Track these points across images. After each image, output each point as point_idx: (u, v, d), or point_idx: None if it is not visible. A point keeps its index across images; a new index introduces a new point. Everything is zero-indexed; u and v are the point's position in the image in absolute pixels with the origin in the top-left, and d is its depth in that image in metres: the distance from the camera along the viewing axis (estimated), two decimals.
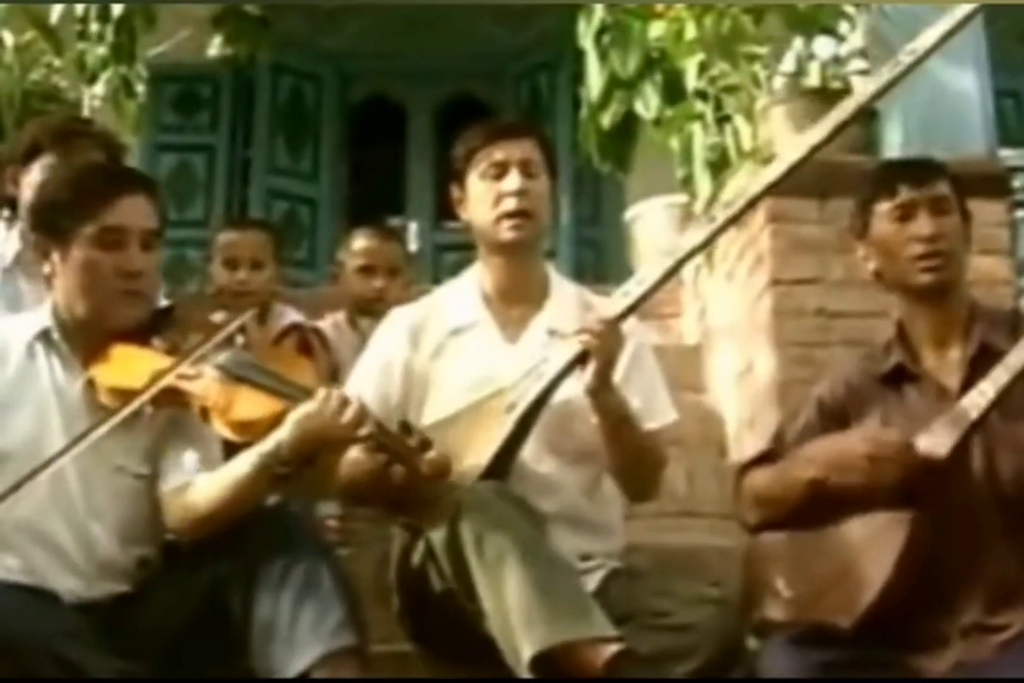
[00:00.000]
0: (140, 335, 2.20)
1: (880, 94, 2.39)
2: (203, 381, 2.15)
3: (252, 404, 2.12)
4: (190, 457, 2.17)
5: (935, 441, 2.06)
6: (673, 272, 2.34)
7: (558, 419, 2.33)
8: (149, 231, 2.18)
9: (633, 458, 2.32)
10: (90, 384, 2.16)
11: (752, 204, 2.35)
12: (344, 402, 2.06)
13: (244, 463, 2.08)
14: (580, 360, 2.24)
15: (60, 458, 2.02)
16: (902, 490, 2.06)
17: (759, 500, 2.24)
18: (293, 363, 2.35)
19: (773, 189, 2.36)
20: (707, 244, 2.39)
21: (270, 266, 3.41)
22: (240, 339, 3.04)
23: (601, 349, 2.22)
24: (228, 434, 2.13)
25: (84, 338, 2.18)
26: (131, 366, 2.15)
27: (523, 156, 2.42)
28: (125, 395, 2.12)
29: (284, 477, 2.07)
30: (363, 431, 2.06)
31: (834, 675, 1.98)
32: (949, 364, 2.20)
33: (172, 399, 2.14)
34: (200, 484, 2.13)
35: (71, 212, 2.15)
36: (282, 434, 2.05)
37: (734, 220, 2.35)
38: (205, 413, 2.15)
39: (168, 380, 2.12)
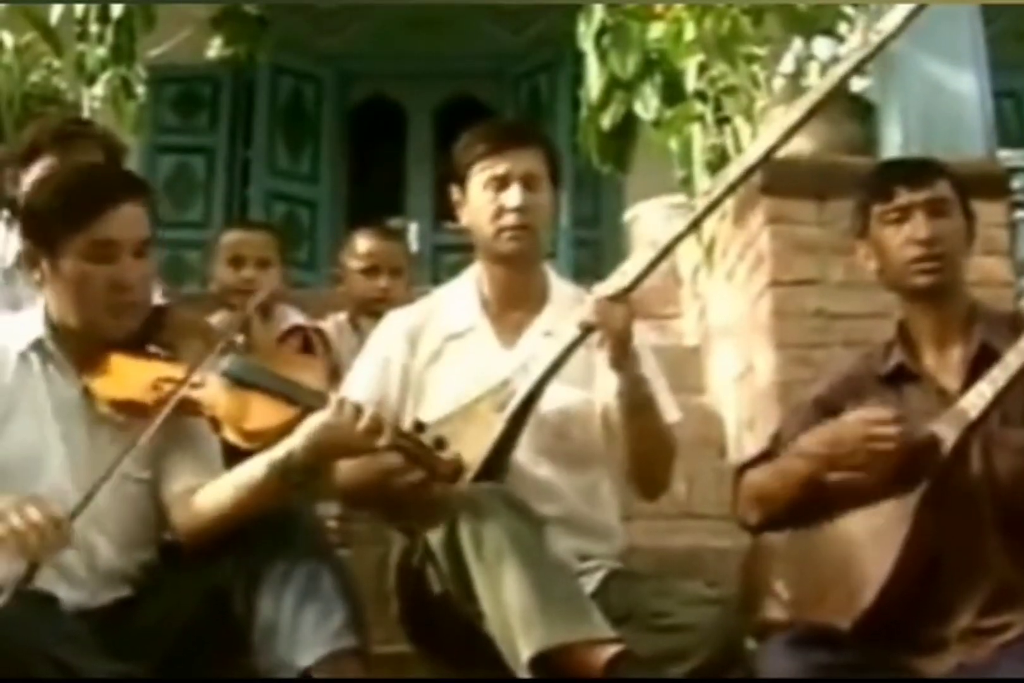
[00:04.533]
0: (134, 342, 2.16)
1: (852, 73, 2.37)
2: (210, 389, 2.10)
3: (264, 412, 2.08)
4: (192, 460, 2.14)
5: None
6: (668, 252, 2.31)
7: (555, 424, 2.34)
8: (142, 241, 2.11)
9: (651, 444, 2.30)
10: (87, 393, 2.12)
11: (737, 182, 2.33)
12: (358, 410, 2.02)
13: (255, 469, 2.04)
14: (579, 342, 2.23)
15: (107, 478, 1.96)
16: (903, 469, 2.06)
17: (758, 498, 2.24)
18: (300, 365, 2.29)
19: (752, 172, 2.33)
20: (700, 220, 2.37)
21: (276, 266, 3.42)
22: (240, 338, 3.03)
23: (604, 324, 2.21)
24: (240, 442, 2.09)
25: (78, 346, 2.14)
26: (128, 376, 2.11)
27: (526, 170, 2.38)
28: (126, 406, 2.08)
29: (296, 485, 2.04)
30: (382, 441, 2.02)
31: (833, 676, 1.97)
32: (950, 365, 2.20)
33: (181, 409, 2.08)
34: (208, 489, 2.10)
35: (60, 222, 2.07)
36: (295, 442, 2.01)
37: (732, 189, 2.33)
38: (215, 422, 2.11)
39: (182, 393, 2.06)
